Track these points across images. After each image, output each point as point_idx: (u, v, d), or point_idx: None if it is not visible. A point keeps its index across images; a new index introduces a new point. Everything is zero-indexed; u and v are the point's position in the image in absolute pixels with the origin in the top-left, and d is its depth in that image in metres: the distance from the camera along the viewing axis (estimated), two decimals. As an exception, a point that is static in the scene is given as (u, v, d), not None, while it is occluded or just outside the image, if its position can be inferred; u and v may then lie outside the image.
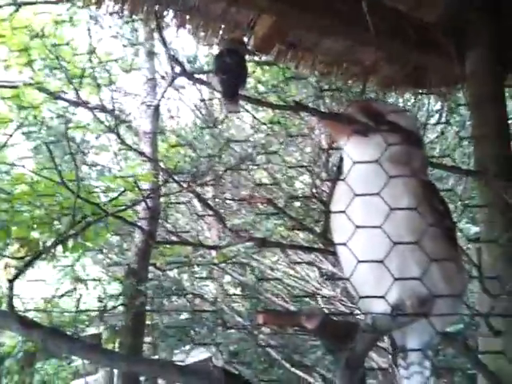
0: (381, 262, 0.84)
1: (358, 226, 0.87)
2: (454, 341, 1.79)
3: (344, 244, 0.86)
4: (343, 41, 3.03)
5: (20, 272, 1.22)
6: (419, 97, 4.20)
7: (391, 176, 0.88)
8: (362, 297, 0.94)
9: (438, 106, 5.15)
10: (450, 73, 3.24)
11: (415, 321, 0.92)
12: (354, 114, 1.04)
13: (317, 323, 0.90)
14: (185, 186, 2.11)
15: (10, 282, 1.12)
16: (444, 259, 0.91)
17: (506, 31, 2.84)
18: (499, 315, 1.53)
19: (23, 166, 2.55)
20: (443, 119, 4.93)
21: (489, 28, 2.85)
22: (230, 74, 1.70)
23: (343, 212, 0.90)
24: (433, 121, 5.08)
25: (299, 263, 5.59)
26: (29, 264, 1.25)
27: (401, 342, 1.06)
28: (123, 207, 1.88)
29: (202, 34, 2.96)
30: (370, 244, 0.91)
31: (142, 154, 1.90)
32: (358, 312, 1.03)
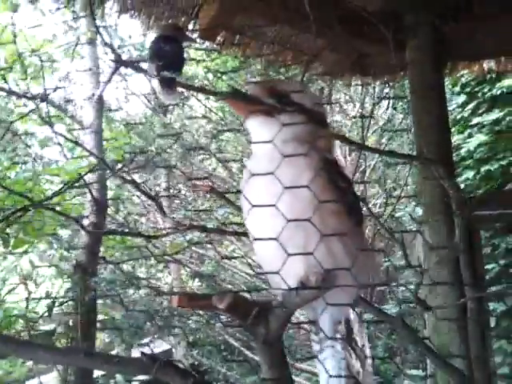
0: (275, 239, 0.86)
1: (254, 205, 0.88)
2: (393, 319, 1.87)
3: (248, 223, 0.87)
4: (287, 28, 3.03)
5: None
6: (366, 84, 4.28)
7: (286, 155, 0.90)
8: (267, 272, 0.97)
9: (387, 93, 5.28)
10: (395, 60, 3.32)
11: (320, 295, 0.94)
12: (260, 94, 1.06)
13: (227, 303, 0.92)
14: (128, 177, 2.07)
15: None
16: (345, 233, 0.95)
17: (446, 18, 2.92)
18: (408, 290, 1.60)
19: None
20: (389, 106, 5.06)
21: (428, 15, 2.92)
22: (167, 61, 1.66)
23: (242, 192, 0.92)
24: (381, 108, 5.20)
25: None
26: None
27: (313, 318, 1.09)
28: (51, 199, 1.82)
29: (145, 19, 2.89)
30: (273, 221, 0.92)
31: (77, 144, 1.82)
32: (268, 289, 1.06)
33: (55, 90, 3.43)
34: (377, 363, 7.10)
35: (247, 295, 1.01)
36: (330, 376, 1.00)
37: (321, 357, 1.05)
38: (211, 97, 5.54)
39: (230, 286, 6.73)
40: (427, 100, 2.83)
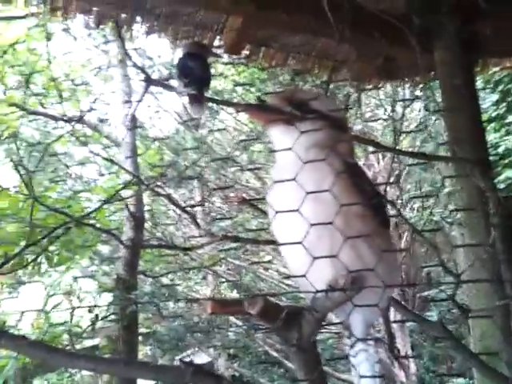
0: (300, 243, 0.87)
1: (277, 212, 0.89)
2: (433, 325, 1.83)
3: (271, 225, 0.88)
4: (311, 37, 3.06)
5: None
6: (395, 87, 4.24)
7: (308, 162, 0.91)
8: (295, 276, 0.97)
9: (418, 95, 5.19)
10: (422, 62, 3.28)
11: (350, 298, 0.94)
12: (279, 104, 1.08)
13: (258, 309, 0.93)
14: (163, 191, 2.12)
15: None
16: (373, 237, 0.95)
17: (474, 17, 2.87)
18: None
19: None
20: (421, 108, 4.97)
21: (456, 16, 2.89)
22: (193, 77, 1.72)
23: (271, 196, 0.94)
24: (409, 110, 5.11)
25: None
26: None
27: (345, 322, 1.09)
28: (87, 214, 1.90)
29: (172, 38, 2.98)
30: (299, 227, 0.93)
31: (112, 162, 1.89)
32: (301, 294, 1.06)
33: (89, 110, 3.57)
34: (421, 372, 6.90)
35: (275, 300, 1.02)
36: (361, 376, 1.00)
37: (355, 360, 1.05)
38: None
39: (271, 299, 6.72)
40: (459, 99, 2.78)
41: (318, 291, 0.92)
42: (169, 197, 1.78)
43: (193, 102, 1.75)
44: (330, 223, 0.88)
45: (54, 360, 1.10)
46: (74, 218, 1.71)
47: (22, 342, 1.09)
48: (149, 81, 1.78)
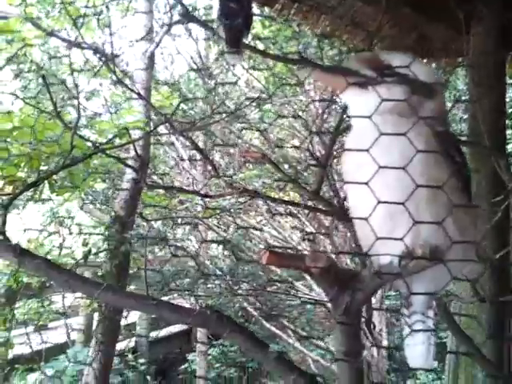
0: (402, 203, 0.82)
1: (381, 166, 0.84)
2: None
3: (366, 183, 0.84)
4: (351, 0, 2.96)
5: (13, 199, 1.20)
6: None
7: (394, 127, 0.87)
8: (378, 239, 0.93)
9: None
10: (454, 45, 3.22)
11: (424, 269, 0.93)
12: (356, 66, 1.02)
13: (321, 266, 0.91)
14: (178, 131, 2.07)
15: (4, 207, 1.11)
16: (459, 209, 0.91)
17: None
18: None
19: (16, 96, 2.45)
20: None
21: (497, 5, 2.82)
22: (234, 20, 1.63)
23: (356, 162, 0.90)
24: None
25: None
26: (20, 193, 1.24)
27: (406, 292, 1.08)
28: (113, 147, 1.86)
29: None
30: (384, 194, 0.89)
31: (141, 97, 1.83)
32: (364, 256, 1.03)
33: (106, 42, 3.44)
34: (392, 349, 7.11)
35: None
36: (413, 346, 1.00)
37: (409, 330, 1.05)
38: (256, 65, 5.48)
39: (254, 256, 6.80)
40: (486, 88, 2.74)
41: (399, 260, 0.90)
42: (192, 140, 1.73)
43: (230, 46, 1.67)
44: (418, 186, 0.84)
45: (77, 287, 1.08)
46: (98, 145, 1.67)
47: (42, 261, 1.08)
48: (186, 16, 1.70)
